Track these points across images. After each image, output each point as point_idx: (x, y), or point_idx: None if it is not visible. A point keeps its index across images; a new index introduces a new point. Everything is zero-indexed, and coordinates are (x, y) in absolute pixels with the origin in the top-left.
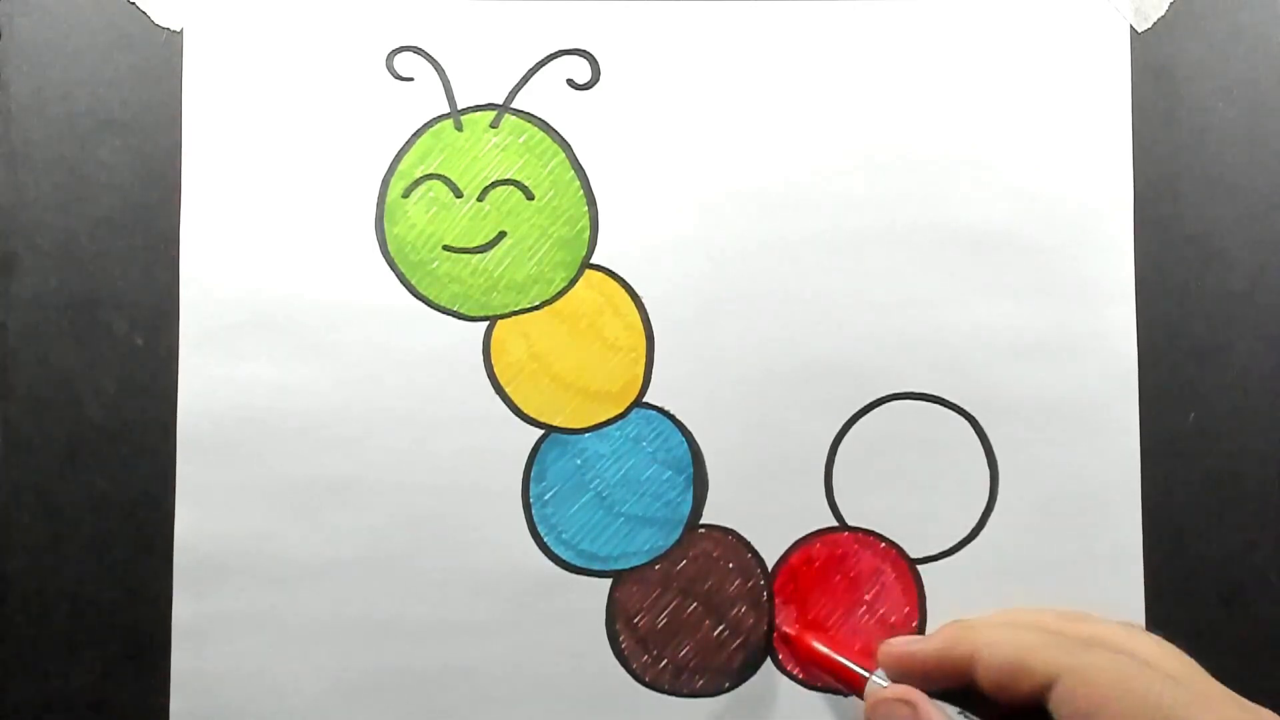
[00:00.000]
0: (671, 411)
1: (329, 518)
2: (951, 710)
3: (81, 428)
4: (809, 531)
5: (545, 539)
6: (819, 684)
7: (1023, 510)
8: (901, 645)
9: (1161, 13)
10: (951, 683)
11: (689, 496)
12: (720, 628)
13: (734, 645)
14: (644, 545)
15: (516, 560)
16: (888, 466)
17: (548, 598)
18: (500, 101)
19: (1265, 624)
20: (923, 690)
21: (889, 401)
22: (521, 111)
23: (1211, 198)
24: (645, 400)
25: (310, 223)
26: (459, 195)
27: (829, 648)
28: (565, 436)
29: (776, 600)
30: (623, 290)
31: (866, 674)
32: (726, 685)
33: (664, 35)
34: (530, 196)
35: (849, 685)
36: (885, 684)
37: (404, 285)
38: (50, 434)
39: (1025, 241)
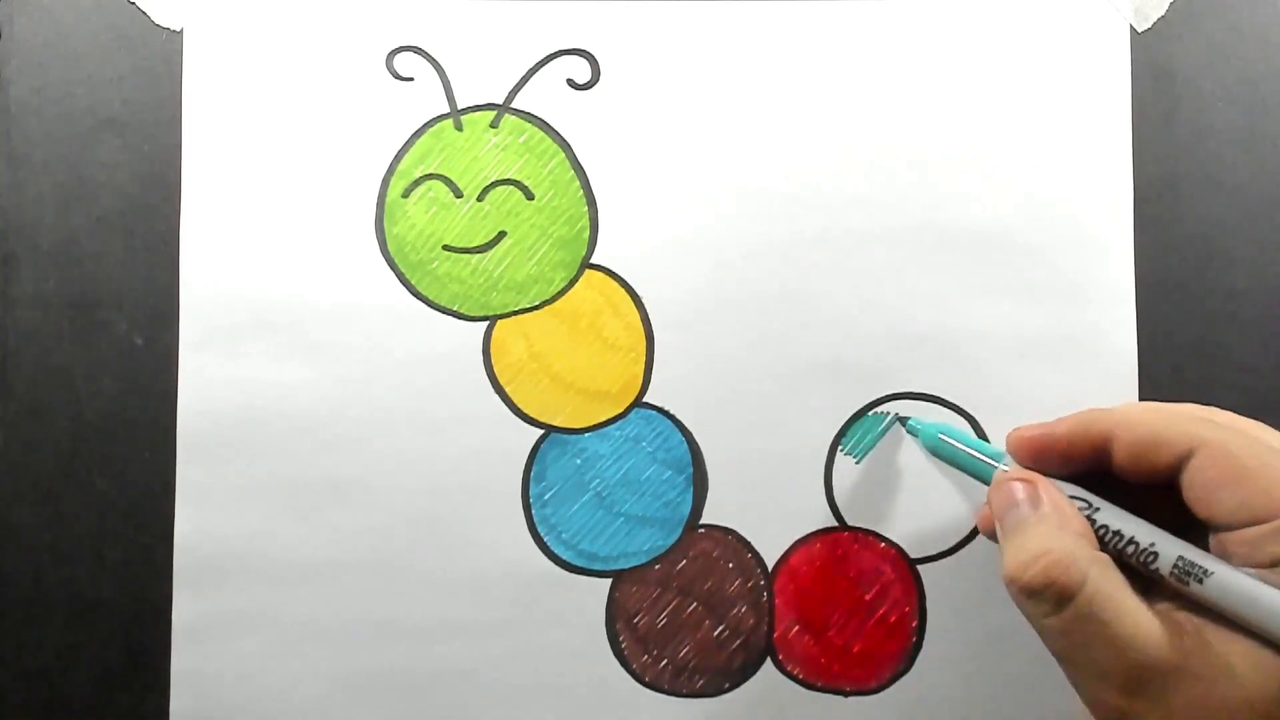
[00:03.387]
0: (671, 411)
1: (329, 518)
2: (1068, 488)
3: (81, 428)
4: (809, 531)
5: (545, 539)
6: (819, 684)
7: None
8: (1031, 430)
9: (1161, 13)
10: (1078, 467)
11: (689, 496)
12: (720, 628)
13: (734, 645)
14: (644, 545)
15: (516, 560)
16: (888, 466)
17: (548, 598)
18: (500, 101)
19: None
20: (1048, 477)
21: (889, 401)
22: (521, 111)
23: (1211, 198)
24: (645, 400)
25: (310, 223)
26: (459, 195)
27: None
28: (565, 436)
29: (776, 600)
30: (622, 290)
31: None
32: (726, 685)
33: (664, 35)
34: (530, 196)
35: (976, 475)
36: (1011, 468)
37: (404, 285)
38: (50, 434)
39: (1025, 241)
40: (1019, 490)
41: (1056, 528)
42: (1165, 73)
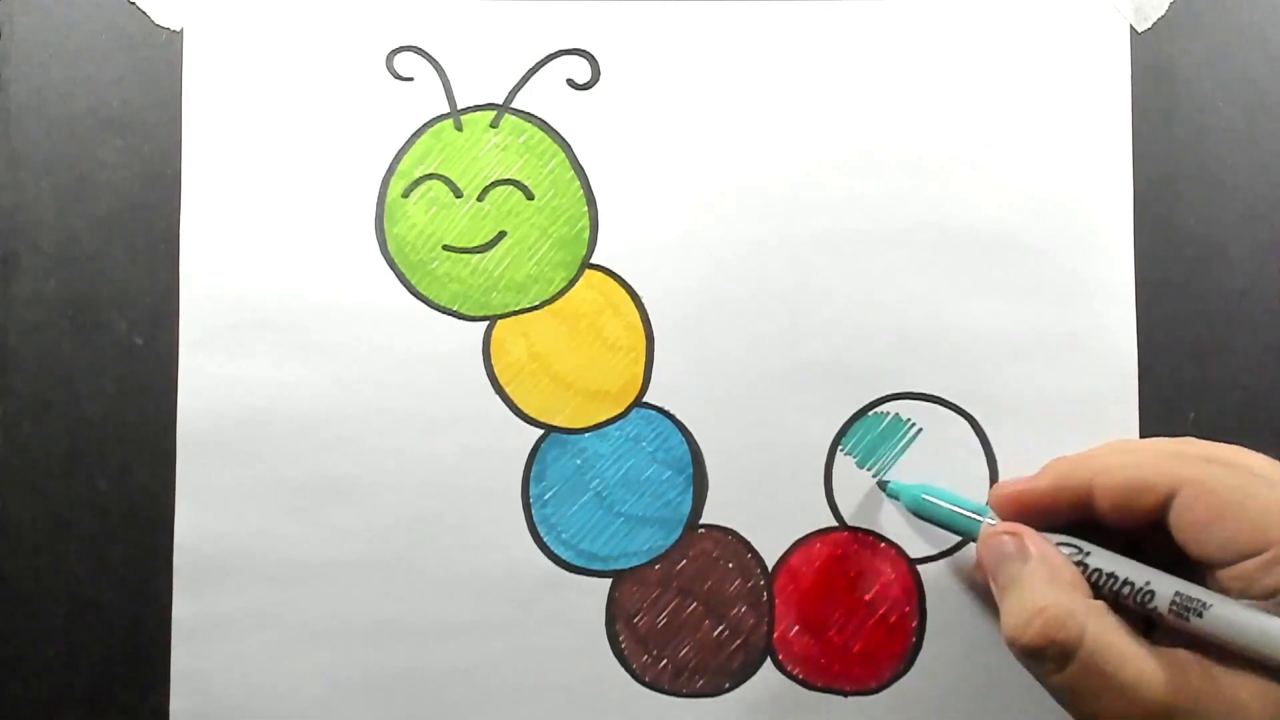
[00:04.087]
0: (671, 411)
1: (329, 518)
2: (1055, 538)
3: (81, 428)
4: (809, 531)
5: (545, 539)
6: (819, 684)
7: None
8: (1012, 486)
9: (1161, 13)
10: (1063, 518)
11: (689, 496)
12: (720, 628)
13: (734, 645)
14: (644, 545)
15: (516, 560)
16: (888, 467)
17: (548, 598)
18: (500, 101)
19: None
20: (1035, 528)
21: (889, 401)
22: (521, 111)
23: (1211, 198)
24: (645, 400)
25: (310, 222)
26: (459, 195)
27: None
28: (565, 436)
29: (776, 600)
30: (622, 290)
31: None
32: (726, 685)
33: (664, 35)
34: (530, 196)
35: (961, 533)
36: (996, 522)
37: (404, 285)
38: (50, 434)
39: (1025, 241)
40: (1007, 544)
41: (1047, 580)
42: (1165, 73)
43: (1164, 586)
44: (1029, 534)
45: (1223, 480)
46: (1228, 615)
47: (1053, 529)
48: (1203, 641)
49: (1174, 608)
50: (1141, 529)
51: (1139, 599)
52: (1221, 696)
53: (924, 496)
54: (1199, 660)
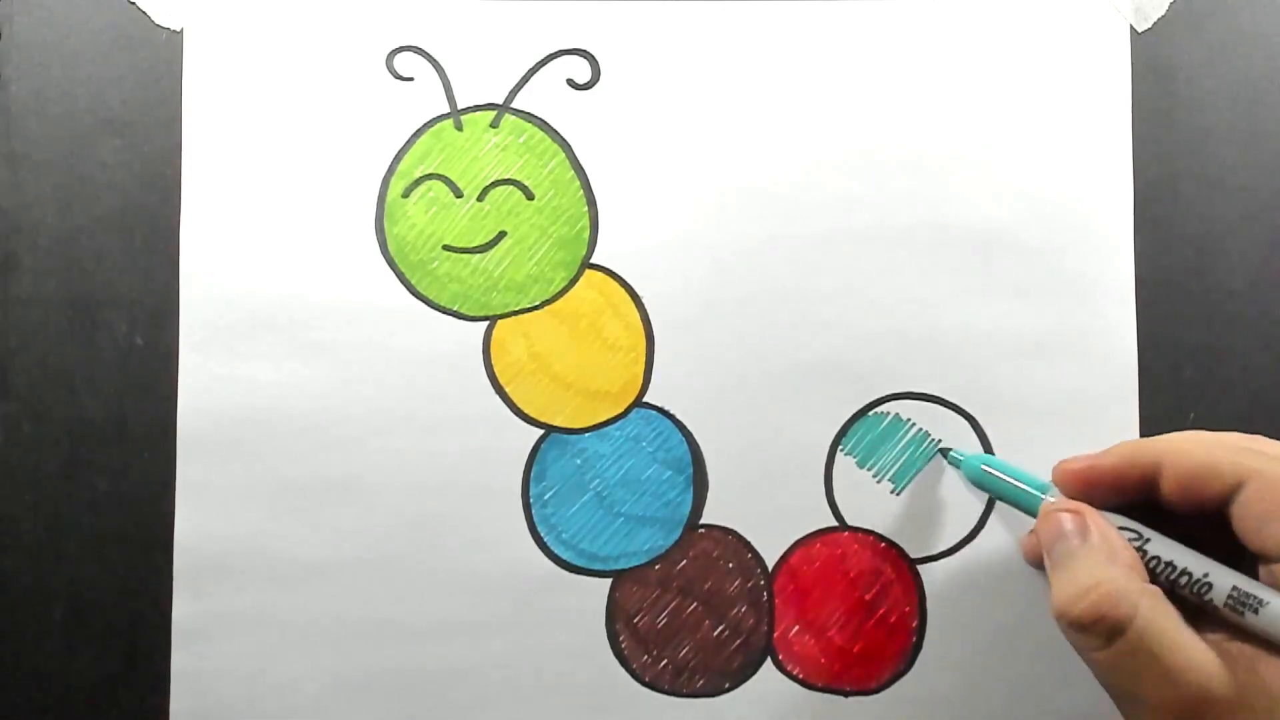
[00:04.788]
0: (671, 411)
1: (329, 518)
2: (1116, 520)
3: (81, 428)
4: (809, 531)
5: (545, 539)
6: (819, 684)
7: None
8: (1078, 462)
9: (1161, 13)
10: (1126, 498)
11: (689, 496)
12: (720, 628)
13: (734, 645)
14: (644, 545)
15: (516, 560)
16: (888, 467)
17: (548, 598)
18: (500, 101)
19: None
20: (1096, 507)
21: (889, 401)
22: (521, 111)
23: (1211, 198)
24: (645, 400)
25: (310, 222)
26: (459, 195)
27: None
28: (565, 436)
29: (776, 600)
30: (623, 290)
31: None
32: (726, 685)
33: (664, 35)
34: (530, 196)
35: (1021, 507)
36: (1058, 499)
37: (404, 285)
38: (50, 434)
39: (1025, 241)
40: (1067, 521)
41: (1105, 560)
42: (1165, 73)
43: (1222, 579)
44: (1090, 513)
45: None
46: None
47: (1113, 509)
48: (1250, 634)
49: (1230, 602)
50: (1201, 516)
51: (1196, 589)
52: (1265, 691)
53: (984, 468)
54: (1245, 652)
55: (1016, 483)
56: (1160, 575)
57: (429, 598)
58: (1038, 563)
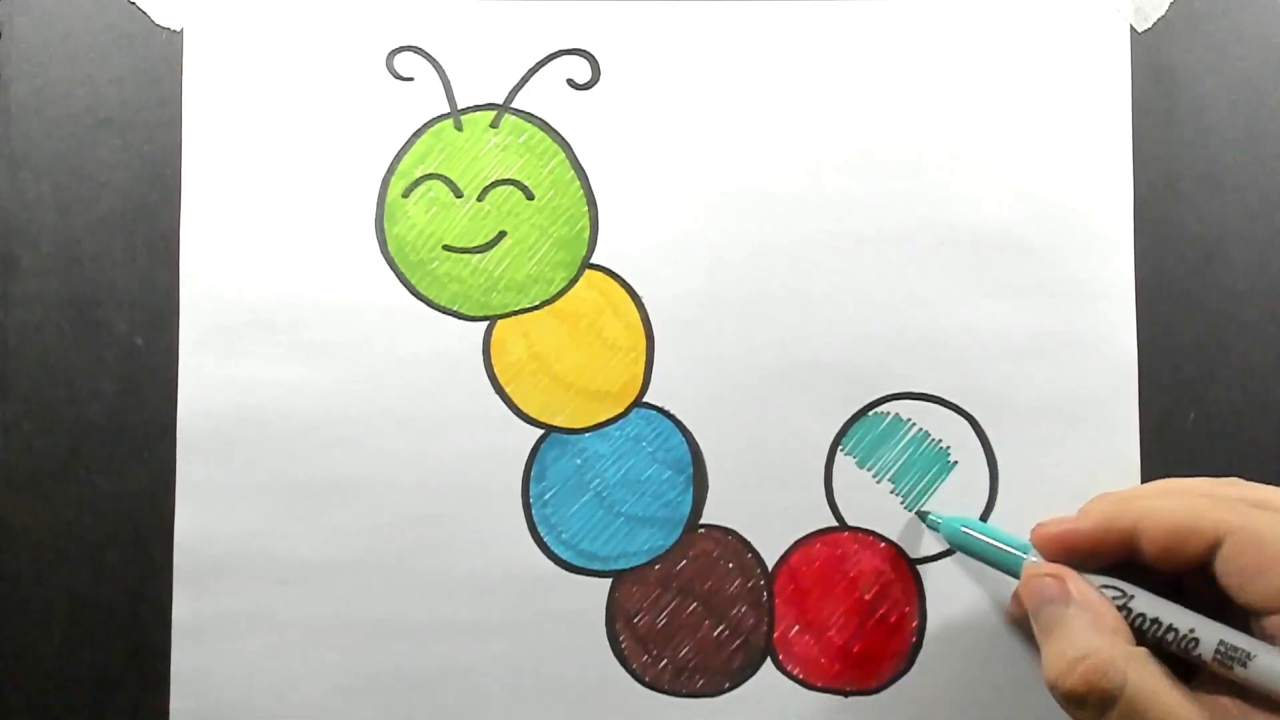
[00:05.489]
0: (671, 411)
1: (329, 518)
2: (1098, 580)
3: (81, 428)
4: (809, 531)
5: (545, 539)
6: (819, 684)
7: (1022, 510)
8: (1056, 527)
9: (1161, 13)
10: (1107, 559)
11: (689, 496)
12: (720, 628)
13: (734, 645)
14: (644, 545)
15: (516, 560)
16: (888, 467)
17: (547, 598)
18: (500, 101)
19: None
20: (1077, 568)
21: (889, 401)
22: (521, 111)
23: (1211, 198)
24: (645, 400)
25: (310, 223)
26: (459, 195)
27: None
28: (565, 436)
29: (776, 600)
30: (623, 290)
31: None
32: (726, 685)
33: (664, 35)
34: (530, 196)
35: (1002, 568)
36: (1038, 561)
37: (404, 285)
38: (50, 434)
39: (1025, 241)
40: (1050, 587)
41: (1090, 626)
42: (1165, 73)
43: (1208, 634)
44: (1072, 577)
45: (1271, 528)
46: (1273, 665)
47: (1095, 569)
48: (1243, 689)
49: (1218, 656)
50: (1185, 571)
51: (1183, 645)
52: None
53: (964, 529)
54: (1239, 706)
55: (997, 544)
56: (1147, 633)
57: (429, 598)
58: (1020, 624)
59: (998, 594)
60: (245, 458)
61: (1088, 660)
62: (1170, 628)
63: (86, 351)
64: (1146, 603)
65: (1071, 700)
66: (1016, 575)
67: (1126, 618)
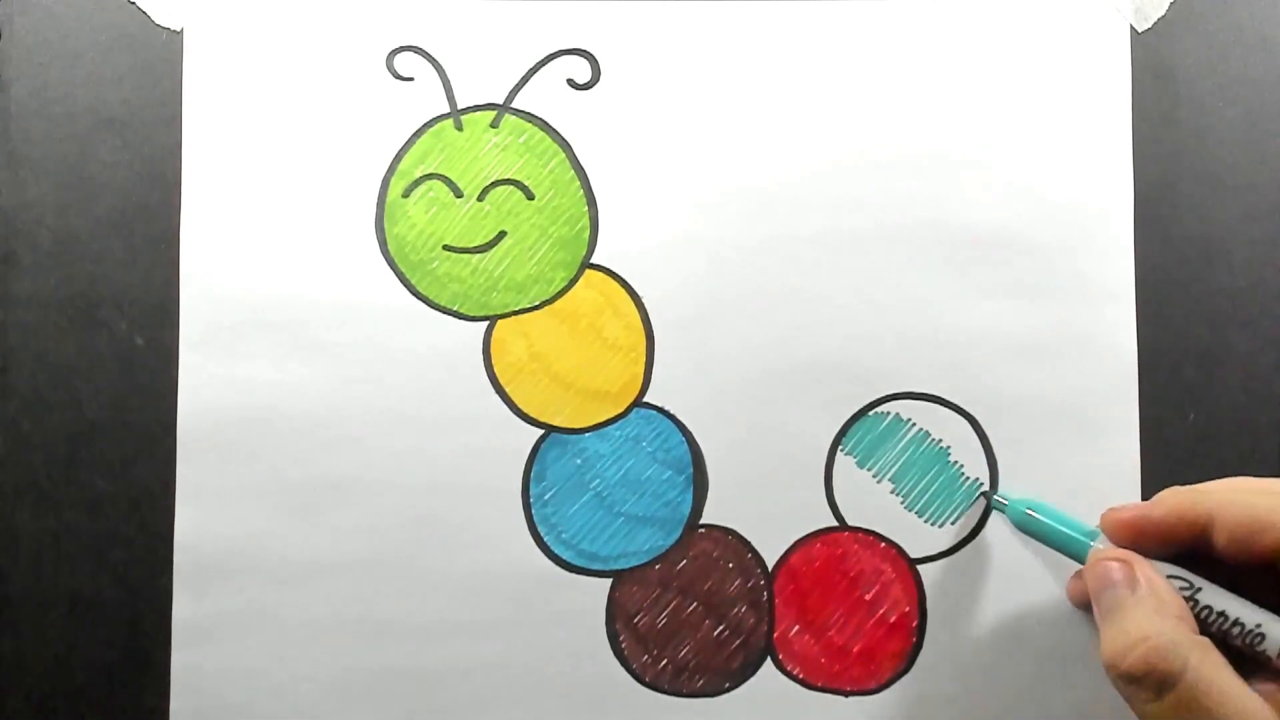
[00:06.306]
0: (671, 411)
1: (329, 518)
2: (1166, 569)
3: (81, 428)
4: (809, 531)
5: (545, 539)
6: (819, 684)
7: None
8: (1128, 512)
9: (1161, 13)
10: (1174, 549)
11: (689, 496)
12: (720, 628)
13: (734, 645)
14: (644, 545)
15: (516, 560)
16: (888, 467)
17: (548, 598)
18: (500, 101)
19: None
20: (1142, 555)
21: (889, 401)
22: (521, 111)
23: (1211, 198)
24: (645, 400)
25: (310, 222)
26: (459, 195)
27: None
28: (565, 436)
29: (776, 600)
30: (623, 290)
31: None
32: (726, 685)
33: (664, 35)
34: (530, 196)
35: (1068, 553)
36: (1106, 546)
37: (404, 285)
38: (50, 434)
39: (1025, 241)
40: (1115, 571)
41: (1154, 611)
42: (1165, 73)
43: (1275, 630)
44: (1139, 563)
45: None
46: None
47: (1161, 557)
48: None
49: None
50: (1251, 566)
51: (1248, 640)
52: None
53: (1029, 512)
54: None
55: (1063, 529)
56: (1211, 625)
57: (429, 598)
58: (1083, 605)
59: (998, 594)
60: (245, 458)
61: (1150, 641)
62: (1237, 621)
63: (86, 351)
64: (1213, 595)
65: (1128, 680)
66: (1080, 560)
67: (1192, 609)
